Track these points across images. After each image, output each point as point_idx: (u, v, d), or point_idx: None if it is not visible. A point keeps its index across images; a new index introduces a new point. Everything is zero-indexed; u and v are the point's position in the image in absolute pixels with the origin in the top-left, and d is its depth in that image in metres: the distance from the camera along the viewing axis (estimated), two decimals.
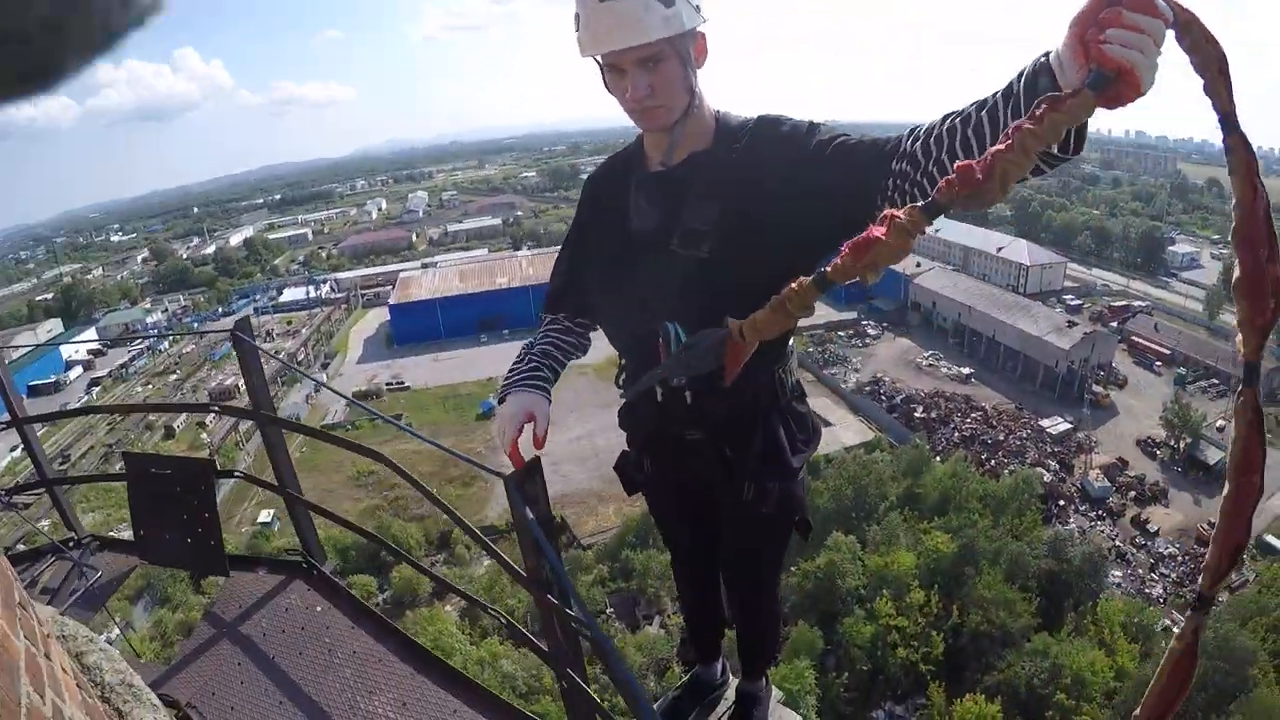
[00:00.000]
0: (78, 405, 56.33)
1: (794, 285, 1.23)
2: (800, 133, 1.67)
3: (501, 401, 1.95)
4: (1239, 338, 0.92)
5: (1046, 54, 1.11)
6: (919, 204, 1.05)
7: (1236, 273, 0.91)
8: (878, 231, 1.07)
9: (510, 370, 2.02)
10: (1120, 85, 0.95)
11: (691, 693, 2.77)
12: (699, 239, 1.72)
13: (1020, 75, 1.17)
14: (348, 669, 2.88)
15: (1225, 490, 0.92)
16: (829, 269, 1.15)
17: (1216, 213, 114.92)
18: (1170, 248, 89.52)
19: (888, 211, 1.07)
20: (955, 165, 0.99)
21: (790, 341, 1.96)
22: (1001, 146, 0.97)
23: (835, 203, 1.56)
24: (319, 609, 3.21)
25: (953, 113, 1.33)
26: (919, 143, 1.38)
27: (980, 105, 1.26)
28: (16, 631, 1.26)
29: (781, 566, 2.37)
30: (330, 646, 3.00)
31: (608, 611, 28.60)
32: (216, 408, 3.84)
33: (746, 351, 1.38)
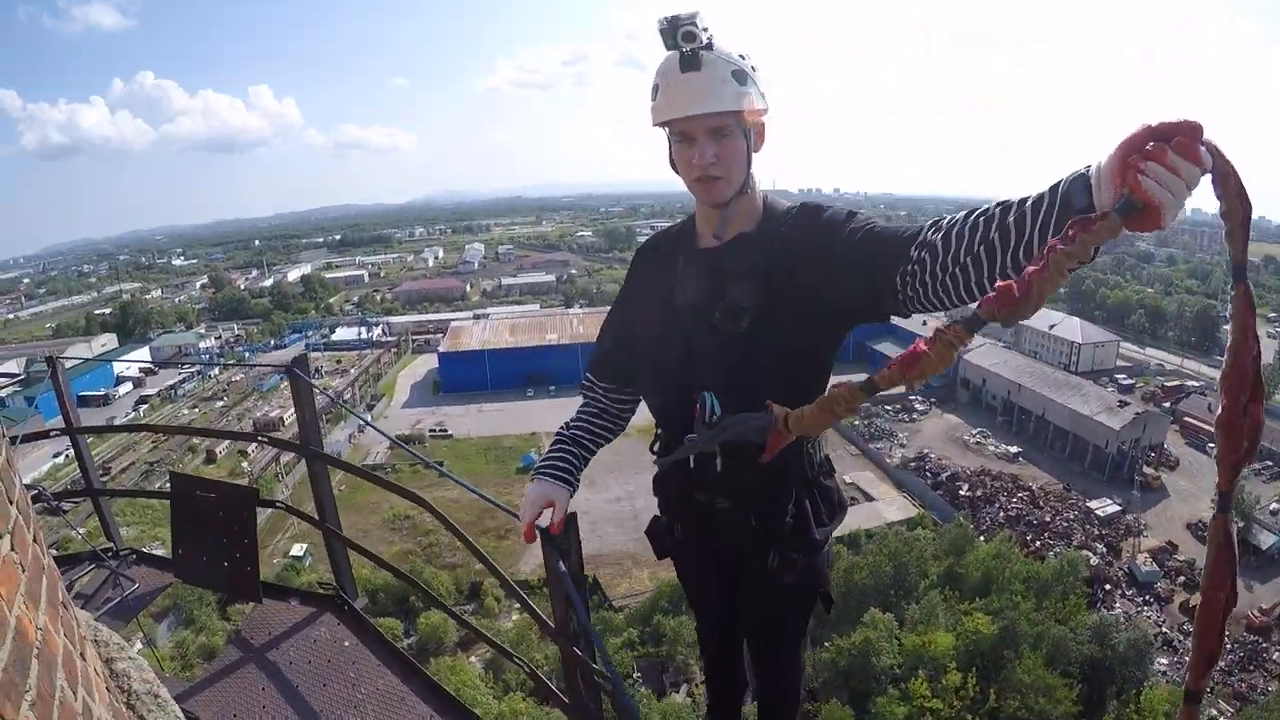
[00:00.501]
0: (125, 420, 57.89)
1: (842, 389, 1.33)
2: (838, 220, 1.75)
3: (532, 481, 2.15)
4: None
5: (1088, 167, 1.14)
6: (962, 320, 1.16)
7: (1219, 411, 1.00)
8: (924, 346, 1.18)
9: (545, 454, 2.20)
10: (1145, 216, 1.02)
11: None
12: (740, 315, 1.82)
13: (1057, 186, 1.19)
14: (370, 705, 2.86)
15: (1199, 602, 1.02)
16: (877, 377, 1.25)
17: (1273, 290, 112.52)
18: (1225, 326, 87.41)
19: (934, 326, 1.19)
20: (996, 285, 1.08)
21: None
22: (1036, 267, 1.06)
23: (860, 281, 1.64)
24: (347, 644, 3.20)
25: (976, 209, 1.38)
26: (940, 234, 1.43)
27: (1006, 209, 1.29)
28: (59, 629, 1.32)
29: (803, 637, 2.40)
30: (355, 681, 2.99)
31: (635, 675, 28.10)
32: (265, 438, 3.91)
33: (786, 440, 1.49)
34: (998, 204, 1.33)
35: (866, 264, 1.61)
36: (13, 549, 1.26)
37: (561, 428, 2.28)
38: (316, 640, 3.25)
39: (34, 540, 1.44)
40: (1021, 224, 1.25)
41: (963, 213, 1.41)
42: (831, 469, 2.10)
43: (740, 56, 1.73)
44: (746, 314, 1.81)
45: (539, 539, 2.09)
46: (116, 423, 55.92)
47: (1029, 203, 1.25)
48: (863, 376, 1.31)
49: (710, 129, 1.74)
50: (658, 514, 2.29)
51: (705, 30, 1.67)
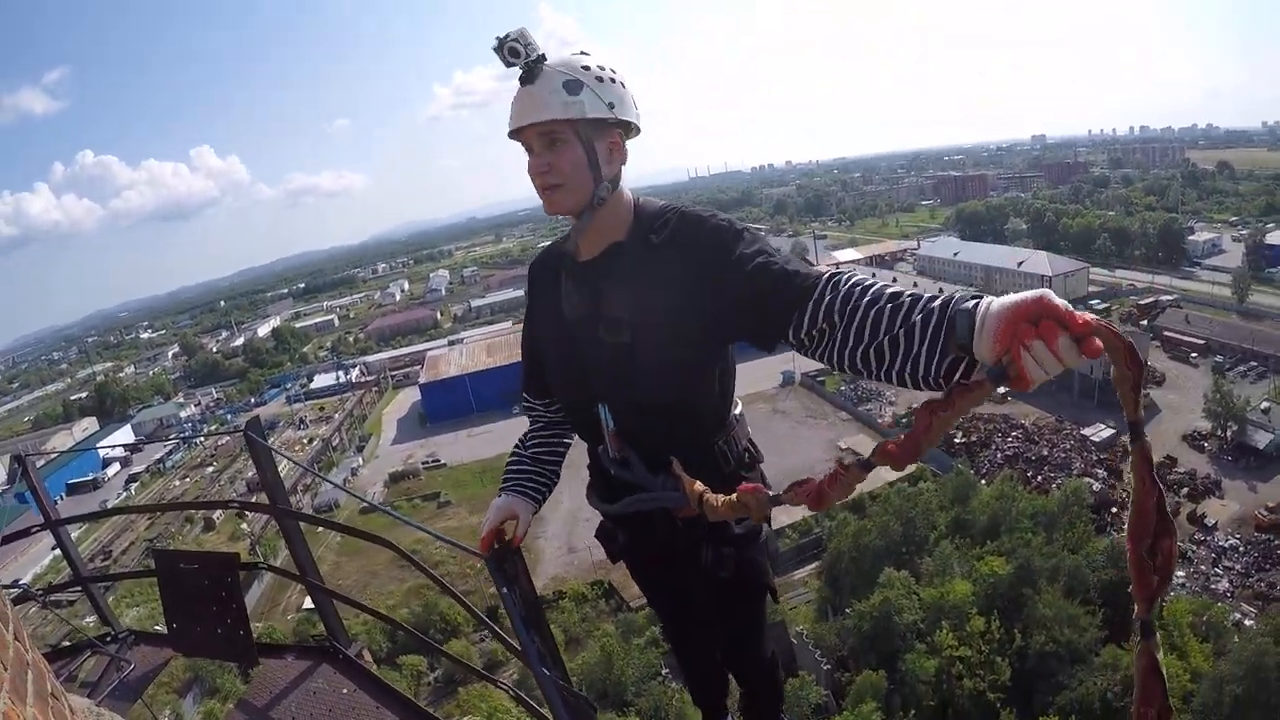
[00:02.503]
0: (117, 500, 57.91)
1: (757, 495, 1.58)
2: (724, 237, 1.71)
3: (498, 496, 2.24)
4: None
5: (977, 302, 1.21)
6: (858, 461, 1.36)
7: (1128, 552, 1.12)
8: (827, 486, 1.39)
9: (505, 469, 2.31)
10: (1016, 382, 1.12)
11: None
12: (619, 326, 1.81)
13: (948, 304, 1.27)
14: None
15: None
16: (785, 494, 1.49)
17: (1231, 194, 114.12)
18: (1190, 237, 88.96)
19: (836, 465, 1.39)
20: (884, 450, 1.29)
21: (734, 411, 2.06)
22: (923, 426, 1.22)
23: (746, 319, 1.65)
24: (345, 691, 3.22)
25: (870, 288, 1.43)
26: (835, 310, 1.45)
27: (897, 310, 1.35)
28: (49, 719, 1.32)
29: (762, 627, 2.45)
30: None
31: (663, 673, 28.05)
32: (237, 504, 3.92)
33: (692, 512, 1.75)
34: (889, 296, 1.38)
35: (756, 304, 1.61)
36: None
37: (518, 445, 2.35)
38: (316, 692, 3.26)
39: (15, 638, 1.48)
40: (910, 338, 1.31)
41: (857, 287, 1.44)
42: (754, 460, 2.11)
43: (584, 68, 1.72)
44: (626, 325, 1.81)
45: (493, 571, 2.15)
46: (110, 504, 55.74)
47: (918, 316, 1.31)
48: (775, 492, 1.58)
49: (540, 136, 1.74)
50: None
51: (529, 45, 1.69)
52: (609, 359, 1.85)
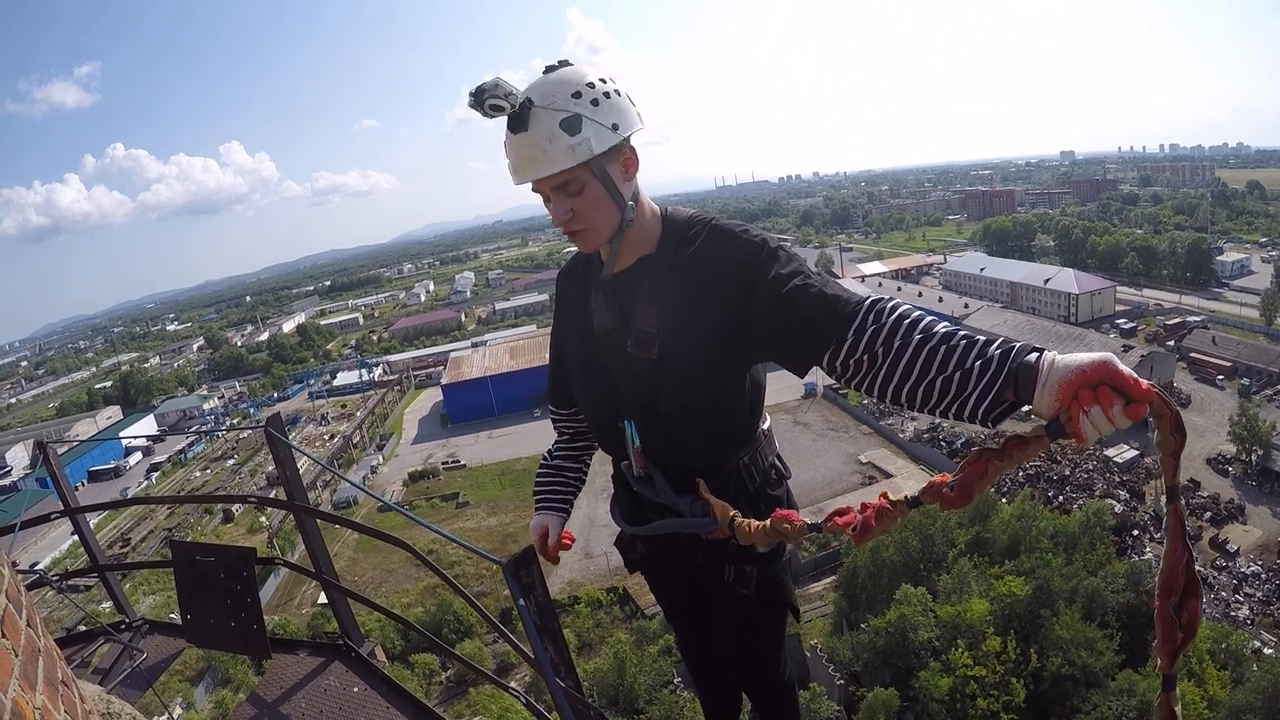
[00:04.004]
0: (138, 489, 58.85)
1: (794, 524, 1.61)
2: (756, 255, 1.66)
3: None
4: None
5: (1039, 357, 1.25)
6: (906, 499, 1.42)
7: (1156, 608, 1.24)
8: (874, 521, 1.43)
9: (535, 486, 2.36)
10: (1070, 438, 1.19)
11: None
12: (648, 341, 1.77)
13: (1007, 355, 1.30)
14: None
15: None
16: (827, 524, 1.52)
17: (1261, 215, 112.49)
18: (1219, 258, 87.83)
19: (882, 500, 1.46)
20: (937, 492, 1.35)
21: (763, 426, 2.01)
22: (977, 474, 1.29)
23: (781, 343, 1.63)
24: (356, 689, 3.23)
25: (924, 330, 1.42)
26: (880, 341, 1.45)
27: (950, 354, 1.36)
28: (58, 706, 1.41)
29: (781, 645, 2.40)
30: None
31: (675, 681, 27.94)
32: (255, 499, 3.94)
33: (722, 535, 1.78)
34: (941, 336, 1.38)
35: (793, 329, 1.59)
36: (3, 636, 1.33)
37: (544, 456, 2.37)
38: (327, 689, 3.27)
39: (27, 624, 1.50)
40: (965, 383, 1.34)
41: (905, 320, 1.44)
42: (781, 477, 2.07)
43: (575, 96, 1.61)
44: (655, 340, 1.76)
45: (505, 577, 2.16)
46: (131, 492, 56.62)
47: (975, 362, 1.32)
48: (816, 520, 1.56)
49: (556, 187, 1.67)
50: None
51: (510, 95, 1.58)
52: (636, 374, 1.81)
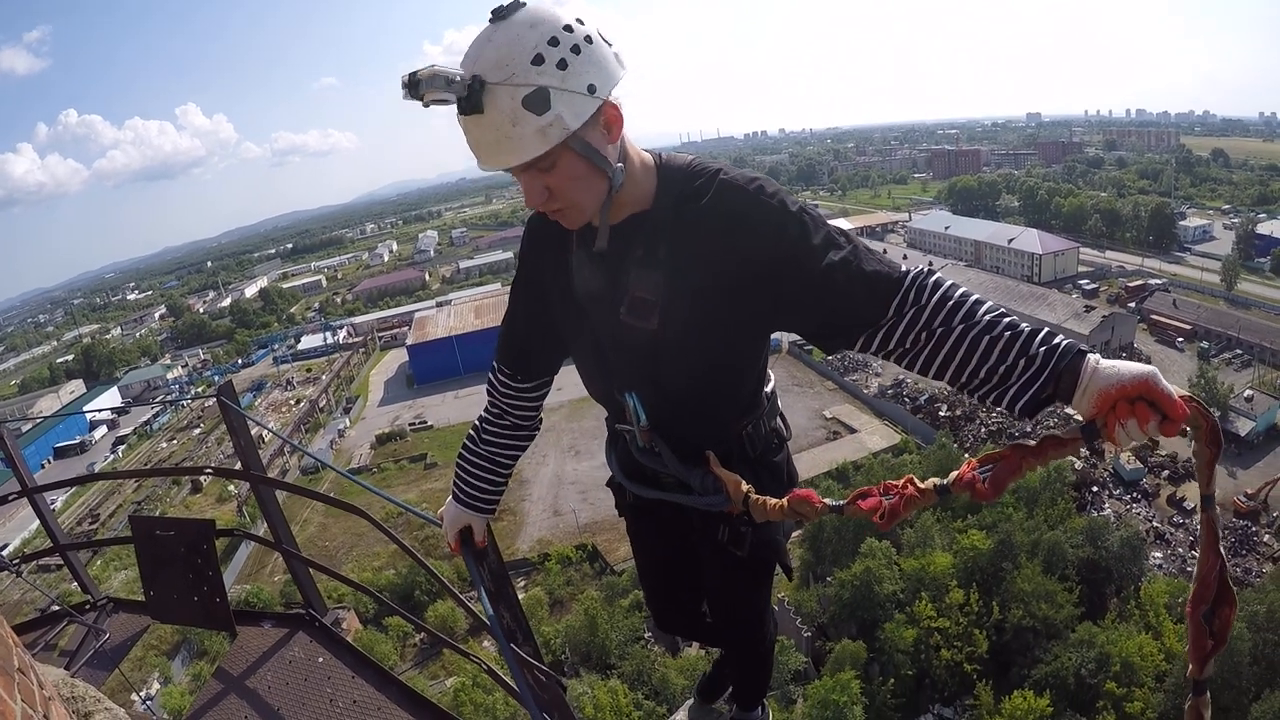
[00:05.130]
0: (105, 464, 58.46)
1: (813, 503, 1.53)
2: (783, 222, 1.47)
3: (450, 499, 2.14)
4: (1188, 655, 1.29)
5: (1086, 356, 1.27)
6: (936, 487, 1.35)
7: (1188, 614, 1.27)
8: (902, 508, 1.38)
9: (457, 466, 2.11)
10: (1104, 443, 1.23)
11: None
12: (647, 310, 1.57)
13: (1052, 353, 1.30)
14: (348, 717, 2.89)
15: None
16: (847, 507, 1.46)
17: (1224, 182, 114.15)
18: (1181, 222, 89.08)
19: (910, 485, 1.38)
20: (968, 484, 1.30)
21: (766, 389, 1.88)
22: (1010, 470, 1.29)
23: (811, 320, 1.52)
24: (320, 660, 3.23)
25: (967, 314, 1.39)
26: (922, 325, 1.42)
27: (994, 343, 1.36)
28: (14, 695, 1.36)
29: (767, 605, 2.30)
30: (331, 696, 3.02)
31: (646, 636, 28.38)
32: (210, 470, 3.87)
33: (735, 510, 1.69)
34: (986, 325, 1.37)
35: (829, 311, 1.48)
36: None
37: (471, 436, 2.08)
38: (292, 661, 3.26)
39: None
40: (1009, 376, 1.34)
41: (949, 302, 1.40)
42: (782, 441, 1.96)
43: (535, 62, 1.30)
44: (655, 309, 1.56)
45: (460, 547, 2.10)
46: (97, 467, 55.85)
47: (1019, 358, 1.33)
48: (838, 502, 1.50)
49: (527, 168, 1.41)
50: None
51: (452, 83, 1.30)
52: (633, 344, 1.62)
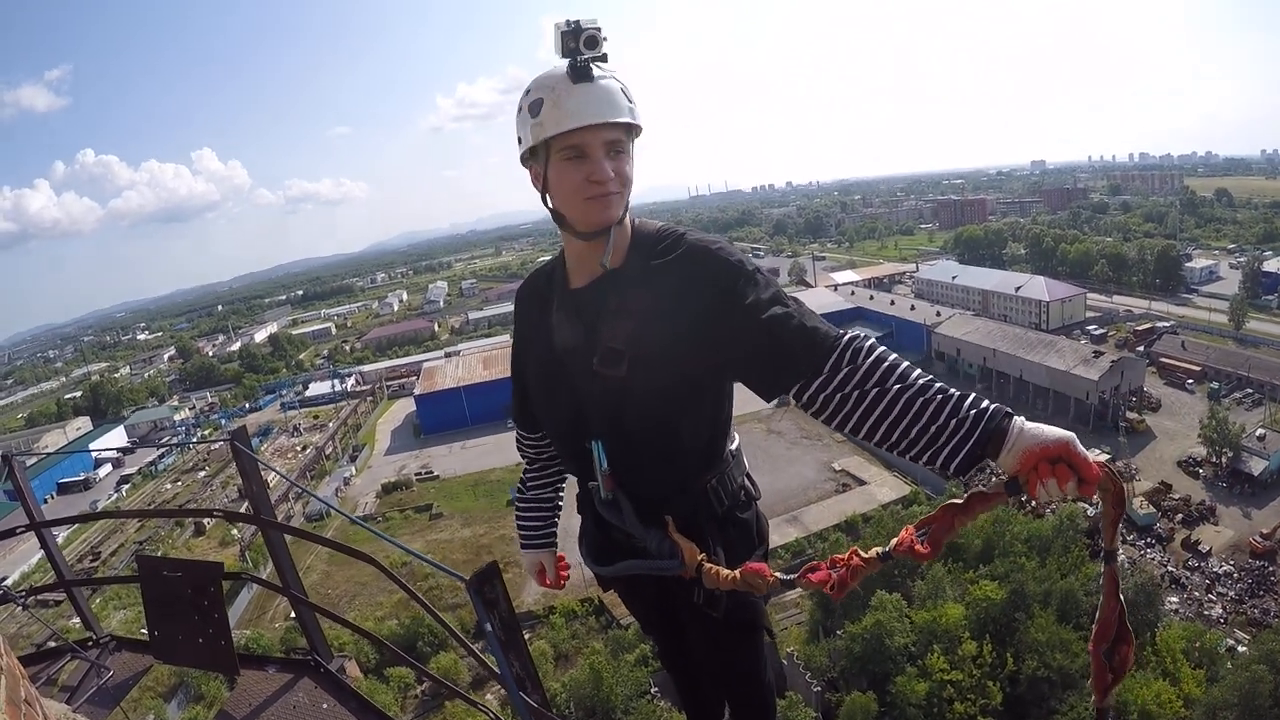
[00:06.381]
0: (108, 502, 58.58)
1: (764, 576, 1.66)
2: (736, 276, 1.62)
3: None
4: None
5: (1009, 421, 1.37)
6: (879, 554, 1.50)
7: (1090, 652, 1.45)
8: (849, 578, 1.53)
9: (517, 521, 2.41)
10: (1027, 498, 1.36)
11: None
12: (617, 359, 1.69)
13: (981, 416, 1.39)
14: None
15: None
16: (798, 577, 1.61)
17: (1229, 222, 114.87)
18: (1188, 264, 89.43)
19: (853, 555, 1.54)
20: (908, 548, 1.45)
21: (730, 446, 1.96)
22: (944, 529, 1.43)
23: (753, 369, 1.62)
24: (324, 705, 3.18)
25: (900, 378, 1.47)
26: (854, 383, 1.49)
27: (925, 407, 1.43)
28: None
29: (759, 663, 2.30)
30: None
31: (653, 691, 27.85)
32: (219, 513, 3.86)
33: (689, 576, 1.78)
34: (919, 388, 1.44)
35: (767, 358, 1.58)
36: None
37: (518, 492, 2.39)
38: (296, 706, 3.21)
39: None
40: (939, 436, 1.42)
41: (882, 364, 1.48)
42: (750, 498, 2.01)
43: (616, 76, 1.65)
44: (624, 358, 1.68)
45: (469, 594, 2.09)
46: (100, 504, 55.70)
47: (950, 419, 1.41)
48: (788, 575, 1.66)
49: (607, 143, 1.61)
50: None
51: (606, 40, 1.60)
52: (603, 393, 1.74)
